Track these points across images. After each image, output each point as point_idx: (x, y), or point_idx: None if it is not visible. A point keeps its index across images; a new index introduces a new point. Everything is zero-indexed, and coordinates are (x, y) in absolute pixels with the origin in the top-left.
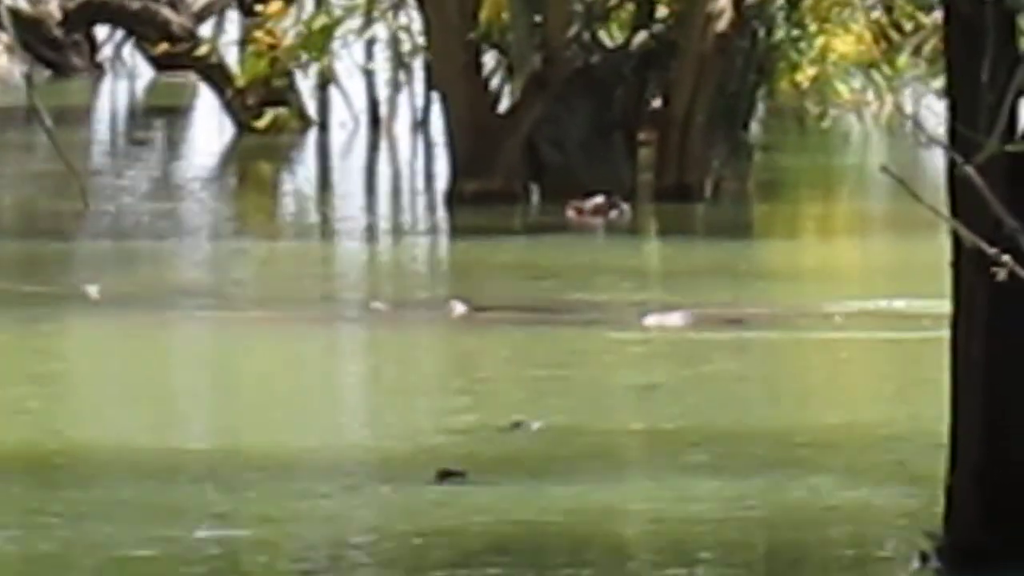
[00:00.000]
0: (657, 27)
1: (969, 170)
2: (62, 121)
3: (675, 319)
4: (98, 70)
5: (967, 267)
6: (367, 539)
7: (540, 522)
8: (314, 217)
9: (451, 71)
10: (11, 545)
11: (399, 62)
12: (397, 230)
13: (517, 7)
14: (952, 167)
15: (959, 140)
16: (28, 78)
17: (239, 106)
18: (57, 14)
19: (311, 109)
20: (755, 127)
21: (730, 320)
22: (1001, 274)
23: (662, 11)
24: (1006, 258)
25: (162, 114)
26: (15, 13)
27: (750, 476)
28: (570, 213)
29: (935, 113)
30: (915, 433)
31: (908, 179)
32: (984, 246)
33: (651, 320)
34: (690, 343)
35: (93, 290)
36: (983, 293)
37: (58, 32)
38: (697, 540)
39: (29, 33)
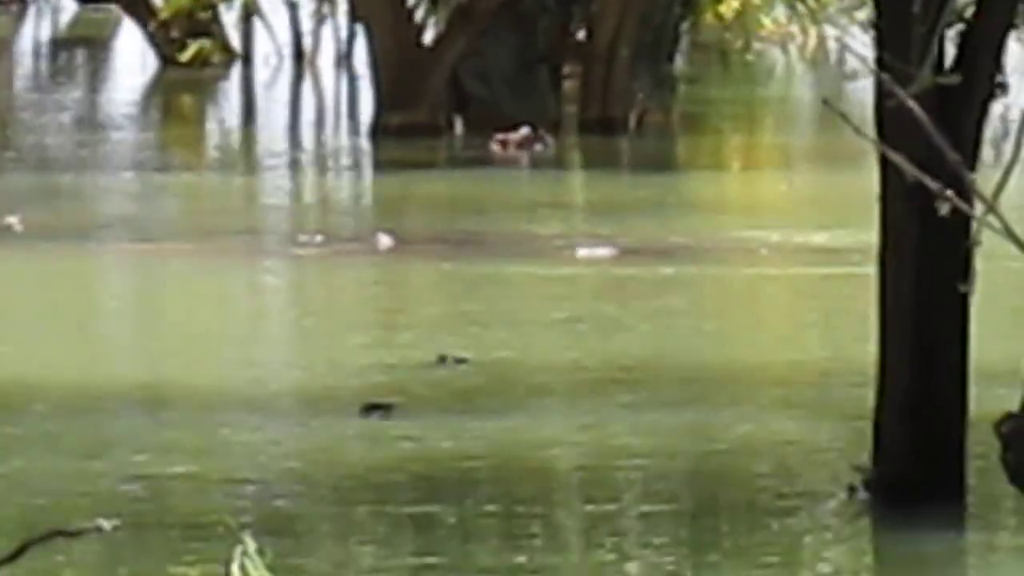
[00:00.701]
0: None
1: (910, 102)
2: None
3: (602, 252)
4: (22, 3)
5: (894, 201)
6: (293, 472)
7: (466, 455)
8: (238, 150)
9: (375, 3)
10: None
11: None
12: (321, 163)
13: None
14: (880, 100)
15: (889, 72)
16: None
17: (162, 39)
18: None
19: (235, 42)
20: (679, 60)
21: (656, 253)
22: (944, 208)
23: None
24: (949, 192)
25: (85, 46)
26: None
27: (676, 410)
28: (494, 146)
29: (862, 44)
30: (842, 368)
31: (833, 111)
32: (928, 180)
33: (579, 253)
34: (617, 276)
35: (15, 222)
36: (912, 228)
37: None
38: (623, 474)
39: None
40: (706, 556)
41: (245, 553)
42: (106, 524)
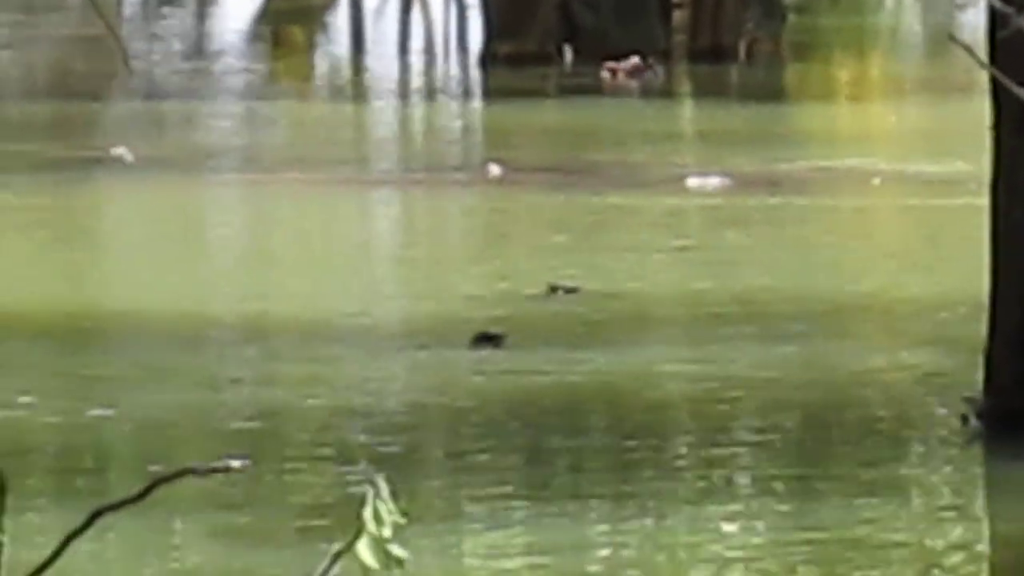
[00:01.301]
0: None
1: None
2: None
3: (713, 182)
4: None
5: (1007, 130)
6: (402, 403)
7: (576, 387)
8: (347, 79)
9: None
10: (44, 410)
11: None
12: (431, 92)
13: None
14: (993, 29)
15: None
16: None
17: None
18: None
19: None
20: None
21: (767, 183)
22: None
23: None
24: None
25: None
26: None
27: (787, 340)
28: (605, 74)
29: None
30: (955, 299)
31: (944, 39)
32: None
33: (689, 183)
34: (728, 206)
35: (124, 152)
36: None
37: None
38: (733, 403)
39: None
40: (817, 484)
41: (371, 484)
42: (236, 463)
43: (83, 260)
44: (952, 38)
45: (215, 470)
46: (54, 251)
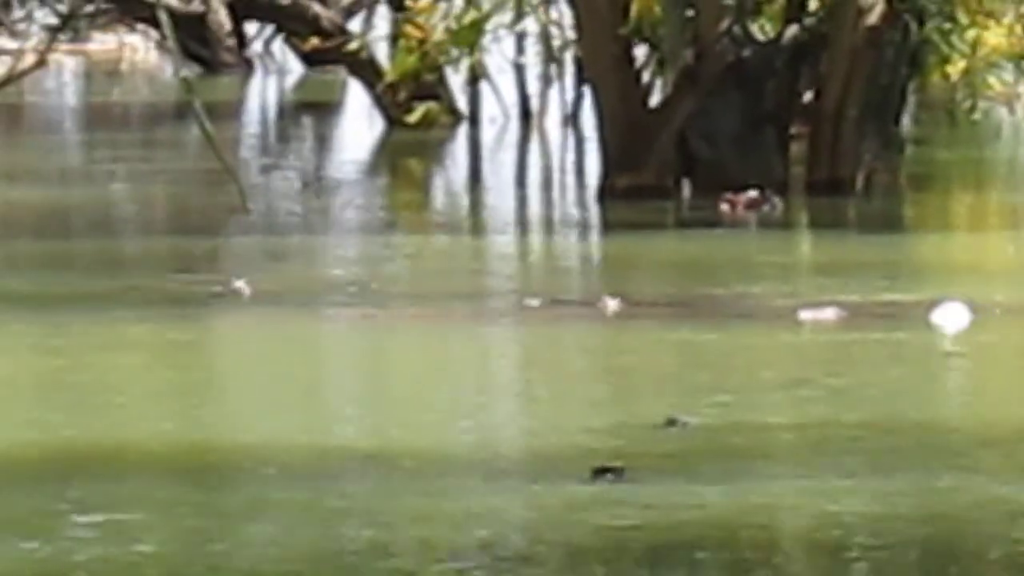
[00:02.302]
0: (808, 20)
1: None
2: (213, 117)
3: (828, 314)
4: (248, 66)
5: None
6: (521, 538)
7: (696, 522)
8: (465, 212)
9: (602, 65)
10: (163, 546)
11: (550, 56)
12: (549, 225)
13: (669, 1)
14: None
15: None
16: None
17: (389, 101)
18: (223, 12)
19: (461, 104)
20: (906, 120)
21: (883, 316)
22: None
23: (813, 4)
24: None
25: (312, 110)
26: (171, 11)
27: (906, 474)
28: (723, 206)
29: None
30: None
31: None
32: None
33: (805, 315)
34: (843, 339)
35: (243, 286)
36: None
37: (224, 31)
38: (855, 539)
39: (182, 31)
40: None
41: None
42: None
43: (202, 395)
44: None
45: None
46: (174, 385)
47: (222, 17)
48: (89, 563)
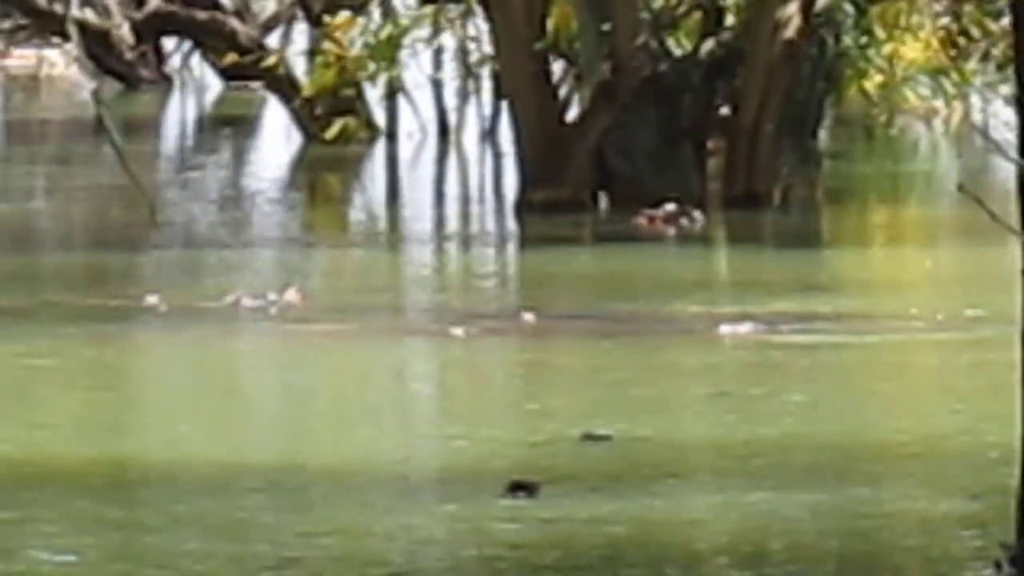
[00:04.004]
0: (725, 35)
1: None
2: (131, 132)
3: (747, 328)
4: (166, 82)
5: None
6: (436, 554)
7: (611, 536)
8: (384, 227)
9: (519, 80)
10: (72, 559)
11: (467, 71)
12: (466, 240)
13: (585, 16)
14: (1023, 177)
15: None
16: (95, 94)
17: (307, 116)
18: (126, 27)
19: (379, 119)
20: (823, 135)
21: (802, 331)
22: None
23: (730, 19)
24: None
25: (231, 125)
26: (82, 26)
27: (819, 487)
28: (641, 220)
29: (1005, 120)
30: (986, 444)
31: (978, 185)
32: None
33: (724, 329)
34: (761, 353)
35: (158, 301)
36: None
37: (126, 44)
38: (770, 552)
39: (97, 46)
40: None
41: None
42: None
43: (117, 410)
44: (961, 189)
45: None
46: (89, 402)
47: (124, 32)
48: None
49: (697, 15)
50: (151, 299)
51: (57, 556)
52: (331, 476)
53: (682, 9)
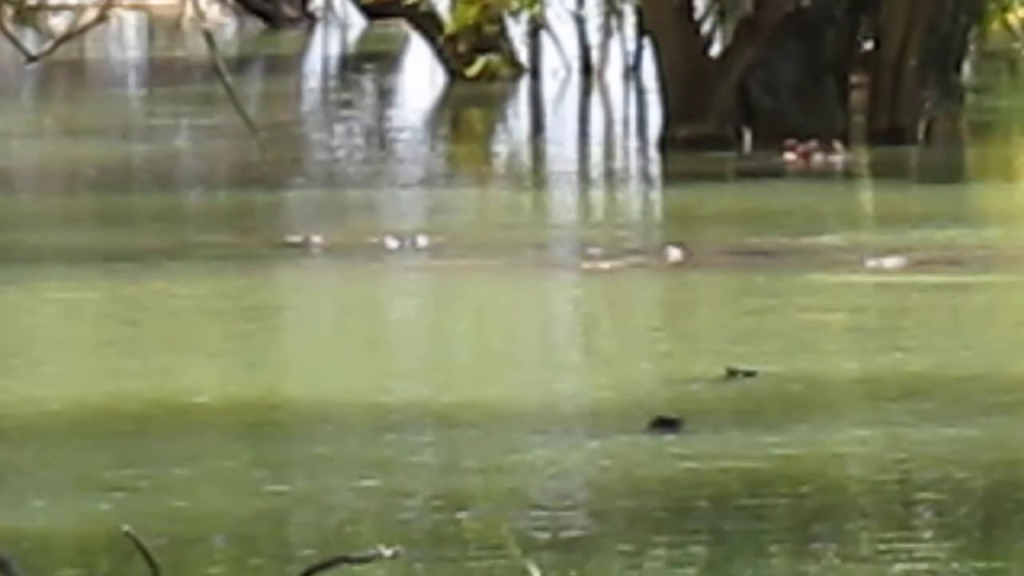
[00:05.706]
0: None
1: None
2: (275, 71)
3: (893, 262)
4: (310, 20)
5: None
6: (581, 489)
7: (755, 471)
8: (526, 164)
9: (663, 16)
10: (219, 498)
11: (610, 7)
12: (610, 176)
13: None
14: None
15: None
16: (208, 35)
17: (450, 54)
18: None
19: (522, 56)
20: (966, 68)
21: (947, 263)
22: None
23: None
24: None
25: (373, 62)
26: None
27: (970, 421)
28: (787, 155)
29: None
30: None
31: None
32: None
33: (869, 263)
34: (908, 286)
35: (310, 239)
36: None
37: None
38: (919, 486)
39: None
40: (996, 562)
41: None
42: (387, 551)
43: (271, 349)
44: None
45: (369, 558)
46: (241, 341)
47: None
48: (152, 515)
49: None
50: (302, 236)
51: (194, 499)
52: (479, 414)
53: None
